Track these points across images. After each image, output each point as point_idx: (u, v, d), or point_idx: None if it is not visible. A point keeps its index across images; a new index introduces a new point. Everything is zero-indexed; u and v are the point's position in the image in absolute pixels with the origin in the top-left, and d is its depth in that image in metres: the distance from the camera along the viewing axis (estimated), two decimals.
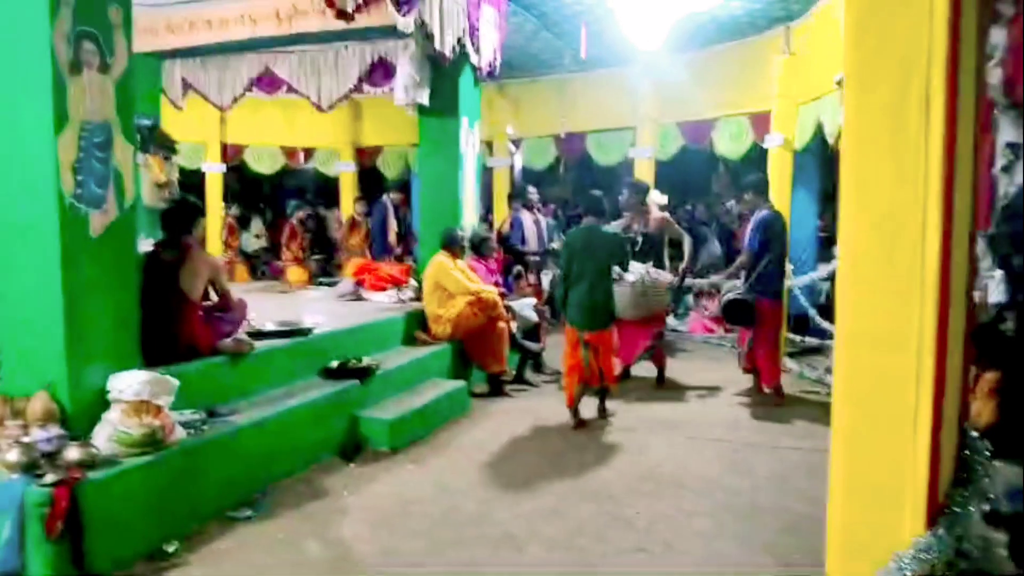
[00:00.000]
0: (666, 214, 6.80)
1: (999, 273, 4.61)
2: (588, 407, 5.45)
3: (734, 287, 6.00)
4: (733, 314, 5.96)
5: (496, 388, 6.26)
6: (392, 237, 10.26)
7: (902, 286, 1.41)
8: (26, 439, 3.17)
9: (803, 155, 8.14)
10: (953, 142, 1.46)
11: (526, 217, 7.44)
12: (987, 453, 1.66)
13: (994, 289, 4.60)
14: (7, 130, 3.38)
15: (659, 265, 6.42)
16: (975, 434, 1.58)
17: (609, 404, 5.59)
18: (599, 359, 5.29)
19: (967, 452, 1.54)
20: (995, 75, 3.19)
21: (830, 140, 7.00)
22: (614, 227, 6.34)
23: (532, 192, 7.77)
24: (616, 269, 5.45)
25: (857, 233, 1.48)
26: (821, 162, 10.13)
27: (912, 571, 1.37)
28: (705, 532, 3.62)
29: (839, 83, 6.05)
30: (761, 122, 8.30)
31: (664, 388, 6.46)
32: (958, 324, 1.57)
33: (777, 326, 6.06)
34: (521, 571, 3.23)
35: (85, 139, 3.40)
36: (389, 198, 10.39)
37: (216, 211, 10.60)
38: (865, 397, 1.50)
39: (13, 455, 3.09)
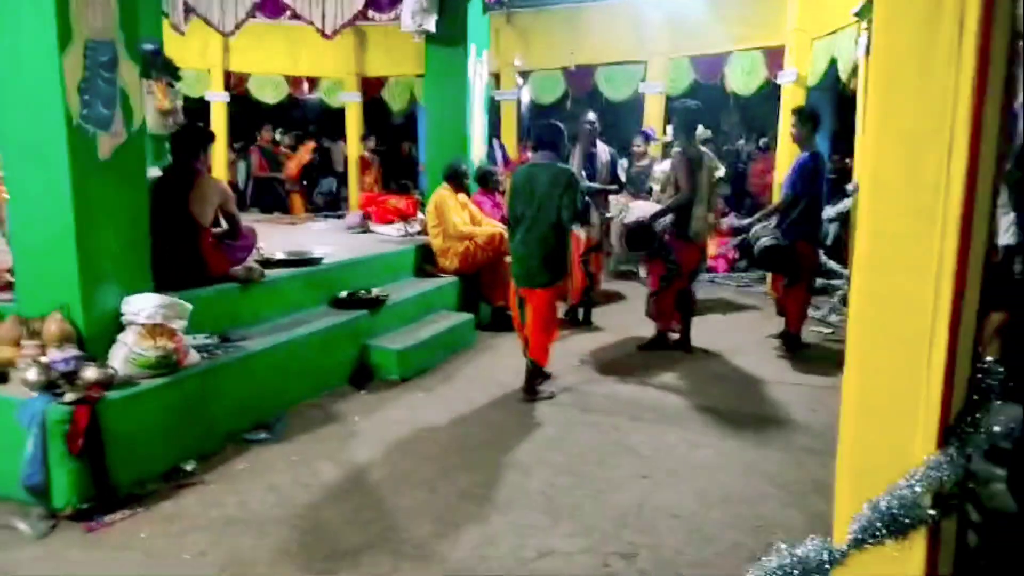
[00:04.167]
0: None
1: (1011, 216, 4.55)
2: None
3: (766, 229, 5.58)
4: (769, 261, 5.65)
5: (500, 321, 6.29)
6: None
7: (924, 205, 1.39)
8: (44, 359, 3.22)
9: (816, 93, 8.00)
10: (986, 62, 1.42)
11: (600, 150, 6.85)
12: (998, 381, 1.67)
13: (1004, 231, 4.55)
14: (9, 49, 3.29)
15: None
16: (990, 359, 1.60)
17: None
18: (530, 324, 4.59)
19: (980, 376, 1.56)
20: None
21: (843, 76, 6.84)
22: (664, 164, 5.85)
23: (589, 121, 6.82)
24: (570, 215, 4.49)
25: (881, 148, 1.46)
26: (834, 100, 9.97)
27: (922, 487, 1.40)
28: (709, 462, 3.70)
29: (857, 15, 5.87)
30: (775, 57, 8.12)
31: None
32: (979, 251, 1.56)
33: (810, 270, 5.70)
34: (529, 494, 3.32)
35: (90, 57, 3.31)
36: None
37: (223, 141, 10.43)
38: (881, 318, 1.50)
39: (32, 374, 3.14)
